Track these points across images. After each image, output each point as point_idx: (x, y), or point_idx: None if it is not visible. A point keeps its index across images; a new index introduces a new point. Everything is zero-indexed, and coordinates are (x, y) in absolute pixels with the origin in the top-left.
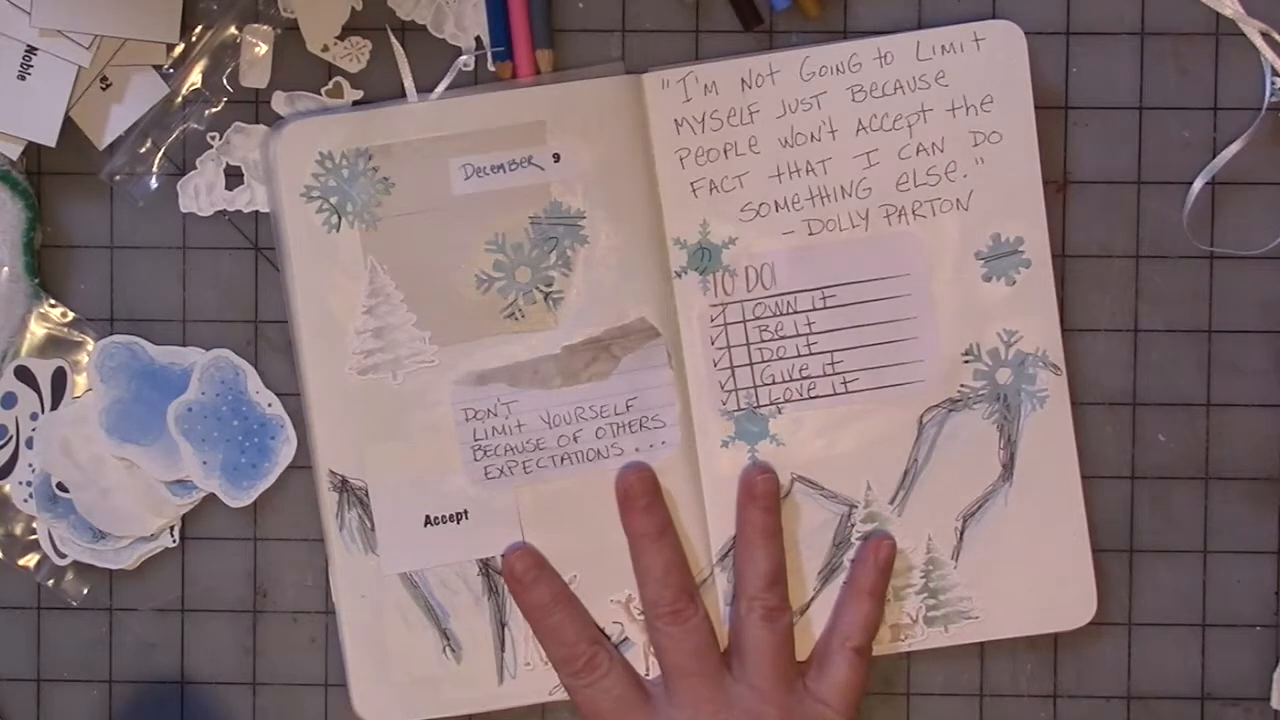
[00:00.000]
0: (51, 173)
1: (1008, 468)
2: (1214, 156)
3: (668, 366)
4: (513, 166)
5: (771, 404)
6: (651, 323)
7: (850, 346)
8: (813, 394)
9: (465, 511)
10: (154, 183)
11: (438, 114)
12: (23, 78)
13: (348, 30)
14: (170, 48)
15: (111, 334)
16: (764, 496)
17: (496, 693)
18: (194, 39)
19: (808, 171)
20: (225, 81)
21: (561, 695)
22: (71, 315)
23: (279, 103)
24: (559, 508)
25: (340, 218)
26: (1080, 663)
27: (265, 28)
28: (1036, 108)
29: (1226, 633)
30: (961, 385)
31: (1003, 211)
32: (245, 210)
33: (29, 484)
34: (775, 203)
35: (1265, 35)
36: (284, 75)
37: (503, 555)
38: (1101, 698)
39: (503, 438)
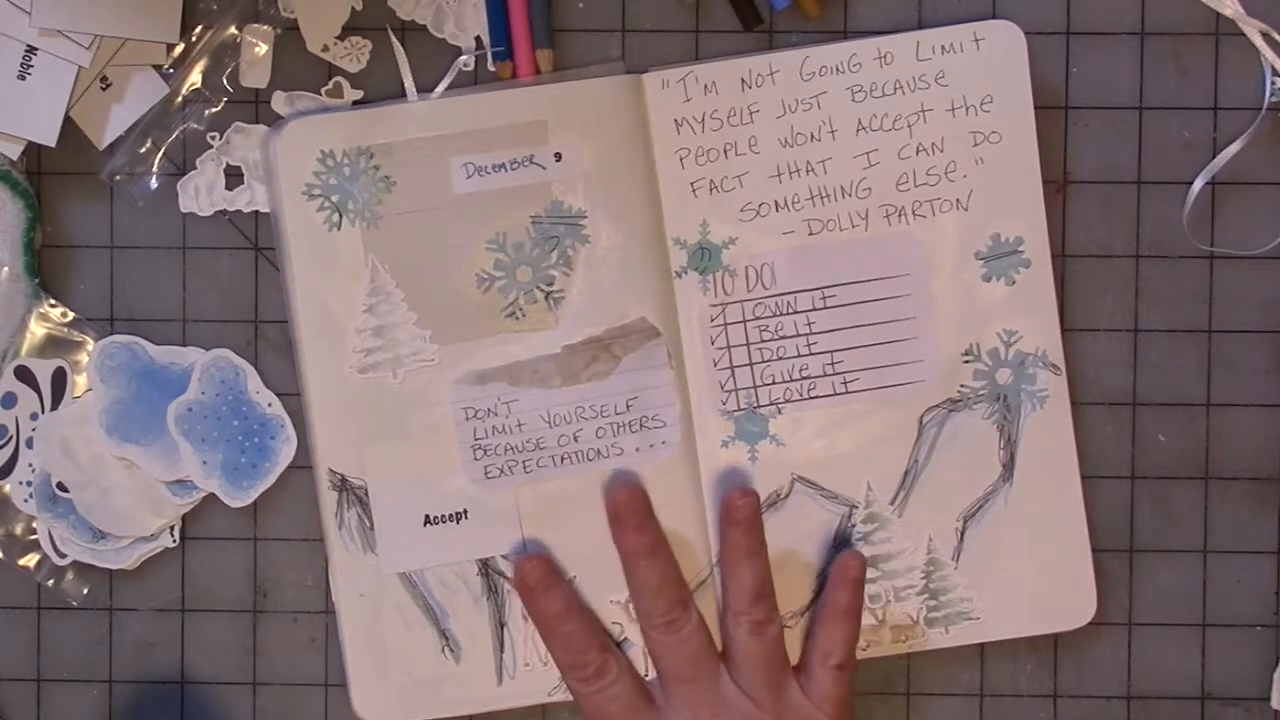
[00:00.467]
0: (51, 173)
1: (1008, 468)
2: (1214, 156)
3: (668, 366)
4: (514, 166)
5: (771, 404)
6: (652, 322)
7: (850, 346)
8: (813, 394)
9: (465, 511)
10: (154, 183)
11: (439, 113)
12: (23, 78)
13: (348, 30)
14: (170, 48)
15: (111, 334)
16: (745, 520)
17: (496, 693)
18: (194, 39)
19: (808, 171)
20: (225, 81)
21: (561, 696)
22: (71, 315)
23: (279, 103)
24: (559, 507)
25: (341, 216)
26: (1080, 663)
27: (265, 28)
28: (1036, 108)
29: (1226, 633)
30: (961, 385)
31: (1002, 211)
32: (245, 210)
33: (29, 484)
34: (775, 203)
35: (1265, 35)
36: (284, 75)
37: (512, 560)
38: (1101, 698)
39: (503, 437)
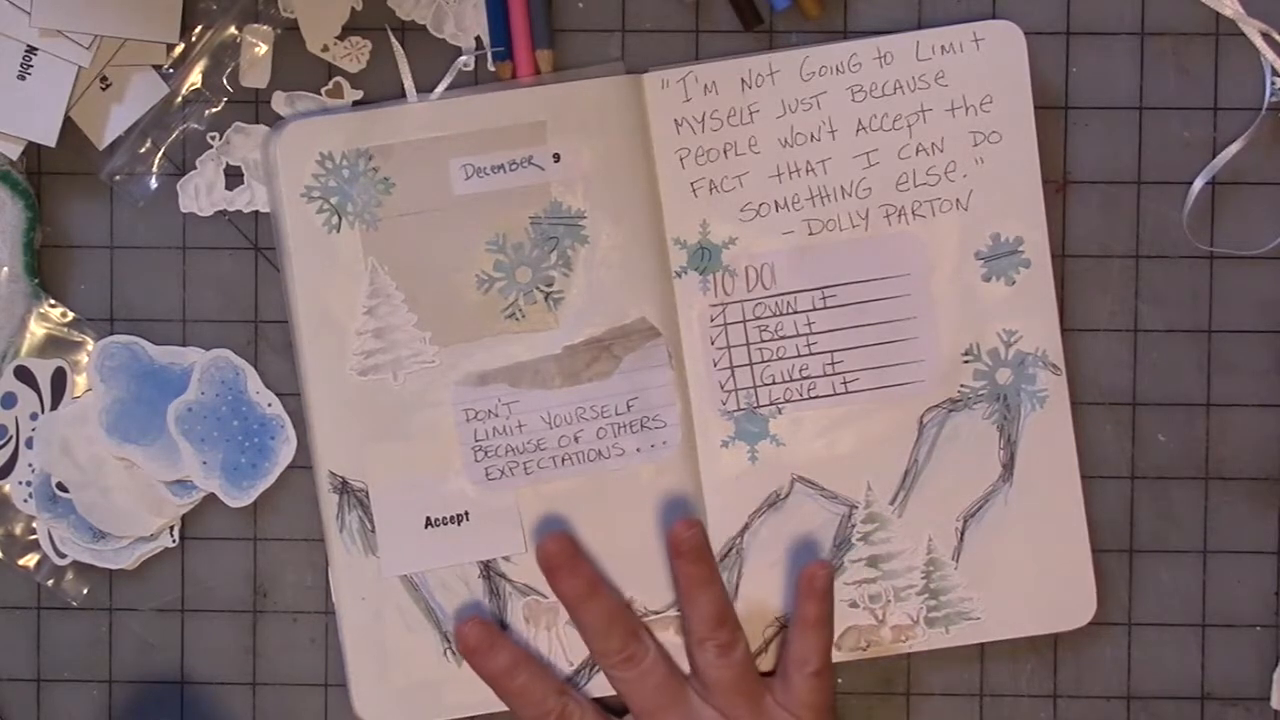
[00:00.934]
0: (51, 173)
1: (1008, 468)
2: (1214, 156)
3: (668, 366)
4: (513, 166)
5: (771, 404)
6: (652, 323)
7: (850, 346)
8: (813, 394)
9: (466, 513)
10: (154, 183)
11: (438, 114)
12: (23, 78)
13: (348, 30)
14: (170, 48)
15: (111, 334)
16: (692, 550)
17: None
18: (194, 39)
19: (808, 171)
20: (225, 81)
21: None
22: (71, 315)
23: (279, 103)
24: (560, 509)
25: (340, 218)
26: (1080, 663)
27: (265, 28)
28: (1036, 108)
29: (1226, 633)
30: (961, 385)
31: (1002, 211)
32: (245, 210)
33: (29, 484)
34: (775, 203)
35: (1265, 35)
36: (284, 75)
37: (453, 626)
38: (1101, 698)
39: (503, 438)
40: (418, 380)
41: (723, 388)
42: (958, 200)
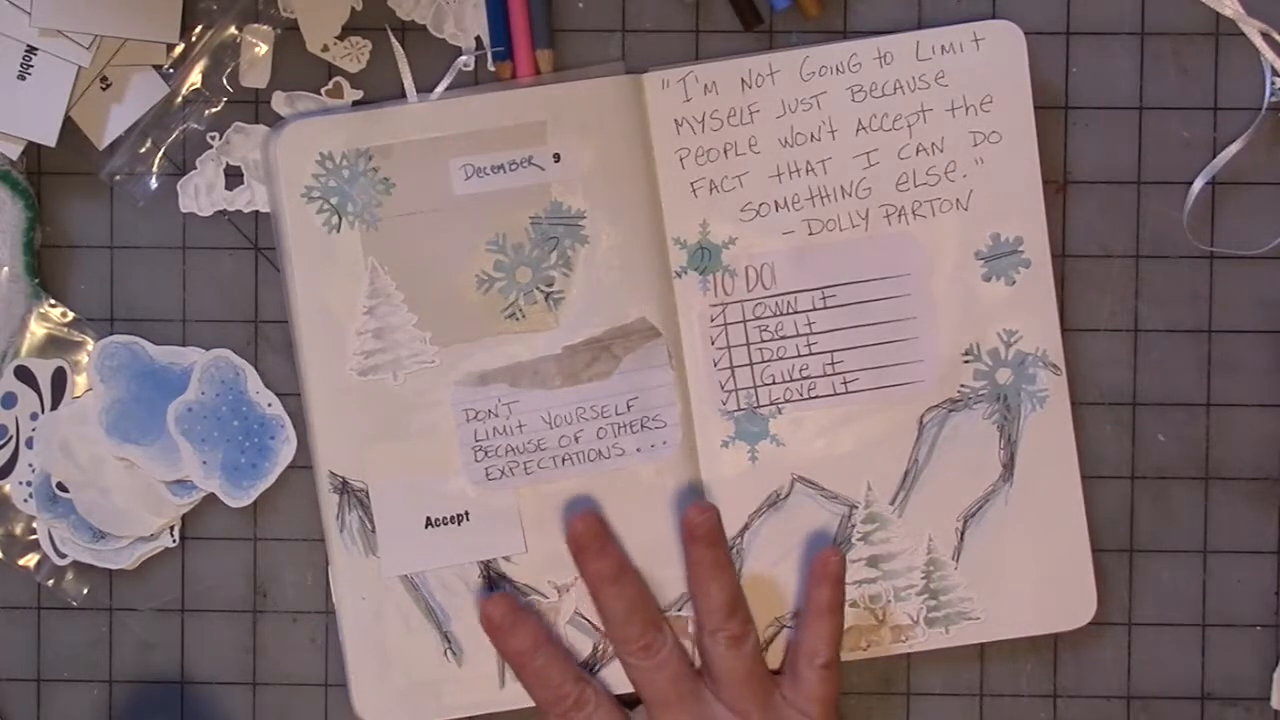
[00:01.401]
0: (51, 173)
1: (1008, 468)
2: (1214, 156)
3: (668, 366)
4: (513, 167)
5: (772, 404)
6: (652, 322)
7: (850, 346)
8: (813, 394)
9: (466, 513)
10: (154, 183)
11: (438, 114)
12: (23, 78)
13: (348, 30)
14: (170, 48)
15: (111, 334)
16: (707, 535)
17: (498, 696)
18: (194, 39)
19: (808, 171)
20: (225, 81)
21: None
22: (71, 315)
23: (279, 103)
24: (560, 509)
25: (340, 218)
26: (1080, 663)
27: (265, 28)
28: (1036, 108)
29: (1226, 633)
30: (961, 385)
31: (1002, 211)
32: (245, 210)
33: (29, 484)
34: (775, 203)
35: (1265, 35)
36: (284, 75)
37: (478, 602)
38: (1101, 698)
39: (504, 438)
40: (418, 380)
41: (723, 388)
42: (958, 200)
